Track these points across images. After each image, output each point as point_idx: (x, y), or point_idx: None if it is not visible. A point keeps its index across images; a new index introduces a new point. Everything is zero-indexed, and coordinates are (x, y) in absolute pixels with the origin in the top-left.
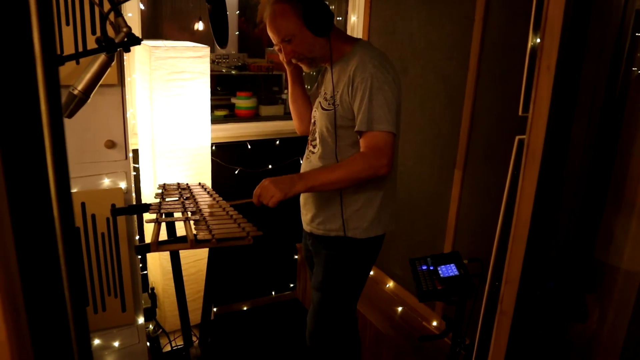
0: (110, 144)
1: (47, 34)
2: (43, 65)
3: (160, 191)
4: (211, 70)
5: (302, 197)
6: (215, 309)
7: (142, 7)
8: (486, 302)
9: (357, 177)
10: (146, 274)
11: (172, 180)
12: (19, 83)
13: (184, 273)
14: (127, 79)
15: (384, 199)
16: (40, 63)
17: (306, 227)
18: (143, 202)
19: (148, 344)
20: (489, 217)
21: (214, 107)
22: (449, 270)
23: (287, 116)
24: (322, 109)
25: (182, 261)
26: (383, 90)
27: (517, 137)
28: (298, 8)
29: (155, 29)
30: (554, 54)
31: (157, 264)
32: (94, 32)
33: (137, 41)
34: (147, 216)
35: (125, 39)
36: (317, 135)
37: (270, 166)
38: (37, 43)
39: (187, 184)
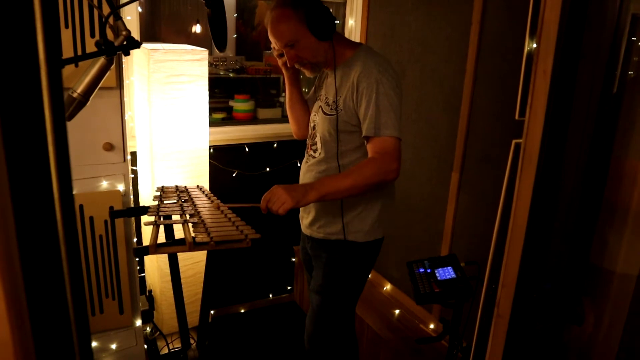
0: (109, 147)
1: (51, 40)
2: (47, 70)
3: (158, 194)
4: (209, 73)
5: None
6: (212, 312)
7: (139, 9)
8: (483, 304)
9: (369, 182)
10: (144, 276)
11: (170, 182)
12: (24, 89)
13: (181, 275)
14: (126, 82)
15: (384, 202)
16: (44, 68)
17: (305, 230)
18: (141, 204)
19: (145, 346)
20: (486, 220)
21: (211, 110)
22: (446, 273)
23: (284, 119)
24: (324, 113)
25: (180, 263)
26: (389, 96)
27: (513, 141)
28: (300, 12)
29: (152, 31)
30: (550, 58)
31: (155, 267)
32: (92, 35)
33: (136, 45)
34: (145, 219)
35: (125, 43)
36: (317, 139)
37: (267, 169)
38: (41, 49)
39: (185, 186)
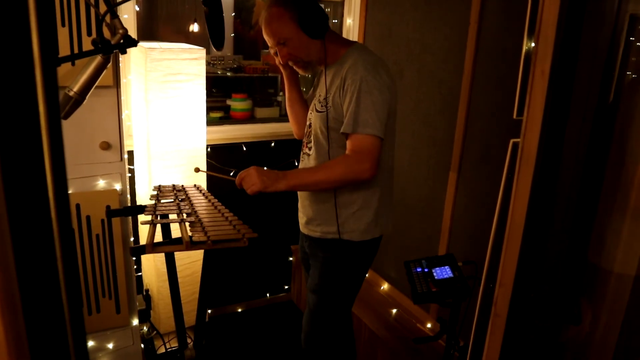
0: (106, 146)
1: (46, 37)
2: (42, 67)
3: (155, 193)
4: (206, 72)
5: (299, 200)
6: (209, 311)
7: (137, 8)
8: (480, 304)
9: (339, 179)
10: (141, 275)
11: (167, 181)
12: (18, 85)
13: (178, 275)
14: (123, 81)
15: (381, 201)
16: (39, 66)
17: (303, 229)
18: (138, 203)
19: (142, 345)
20: (483, 220)
21: (209, 109)
22: (443, 272)
23: (282, 118)
24: (317, 111)
25: (177, 263)
26: (371, 94)
27: (511, 141)
28: (293, 11)
29: (150, 30)
30: (548, 58)
31: (152, 266)
32: (89, 34)
33: (133, 43)
34: (142, 218)
35: (122, 41)
36: (312, 137)
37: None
38: (35, 46)
39: (182, 185)
